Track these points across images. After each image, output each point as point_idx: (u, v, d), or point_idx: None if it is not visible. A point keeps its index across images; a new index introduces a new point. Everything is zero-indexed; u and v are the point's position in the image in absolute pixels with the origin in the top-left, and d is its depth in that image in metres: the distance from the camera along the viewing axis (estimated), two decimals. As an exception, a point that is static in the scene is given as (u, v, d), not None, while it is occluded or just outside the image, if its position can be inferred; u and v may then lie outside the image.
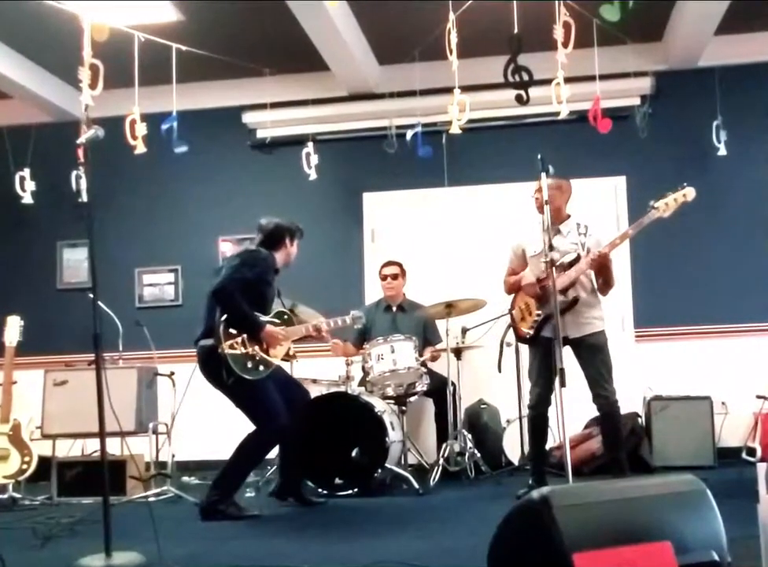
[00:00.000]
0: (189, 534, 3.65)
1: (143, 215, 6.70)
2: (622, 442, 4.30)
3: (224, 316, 3.91)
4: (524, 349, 5.21)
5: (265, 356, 4.01)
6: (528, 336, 4.27)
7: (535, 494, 1.77)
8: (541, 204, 4.03)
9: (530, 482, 4.22)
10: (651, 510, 1.81)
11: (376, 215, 6.49)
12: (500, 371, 5.38)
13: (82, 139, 3.11)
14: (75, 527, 3.77)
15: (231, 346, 3.89)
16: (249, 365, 3.95)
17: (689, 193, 4.03)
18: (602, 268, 4.13)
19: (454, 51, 4.36)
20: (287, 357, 4.20)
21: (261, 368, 4.00)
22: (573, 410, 4.36)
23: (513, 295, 4.46)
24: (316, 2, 4.92)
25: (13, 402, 4.75)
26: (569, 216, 4.34)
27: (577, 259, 4.12)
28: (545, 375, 4.17)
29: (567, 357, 4.18)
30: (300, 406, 4.24)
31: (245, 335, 3.95)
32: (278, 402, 4.02)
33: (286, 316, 4.24)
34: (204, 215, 6.58)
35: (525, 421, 5.38)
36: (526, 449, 5.37)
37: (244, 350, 3.93)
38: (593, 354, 4.14)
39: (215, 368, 3.92)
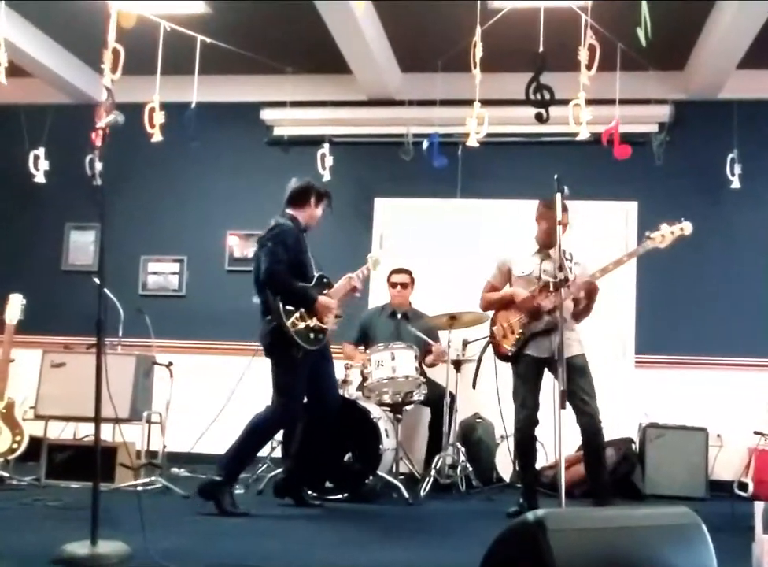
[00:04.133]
0: (175, 527, 3.63)
1: (153, 203, 6.70)
2: (605, 463, 4.25)
3: (278, 296, 4.08)
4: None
5: (321, 324, 4.16)
6: (510, 354, 4.24)
7: (530, 516, 1.75)
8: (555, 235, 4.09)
9: (521, 501, 4.19)
10: (647, 541, 1.80)
11: (386, 220, 6.49)
12: (474, 387, 5.28)
13: (102, 124, 3.10)
14: (62, 511, 3.75)
15: (293, 324, 4.04)
16: (312, 336, 4.11)
17: (686, 227, 4.00)
18: (589, 294, 4.14)
19: (478, 64, 4.37)
20: (336, 317, 4.31)
21: (321, 336, 4.17)
22: (564, 432, 4.36)
23: (494, 312, 4.44)
24: (343, 3, 4.93)
25: (9, 381, 4.74)
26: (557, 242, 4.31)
27: (566, 281, 4.06)
28: (534, 395, 4.15)
29: (547, 378, 4.20)
30: (326, 408, 4.31)
31: (302, 310, 4.09)
32: (302, 388, 4.15)
33: (325, 280, 4.32)
34: (214, 208, 6.59)
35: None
36: (518, 466, 5.36)
37: (304, 324, 4.08)
38: (576, 374, 4.05)
39: (279, 345, 4.08)
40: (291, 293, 4.11)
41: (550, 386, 4.17)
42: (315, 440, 4.32)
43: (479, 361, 5.14)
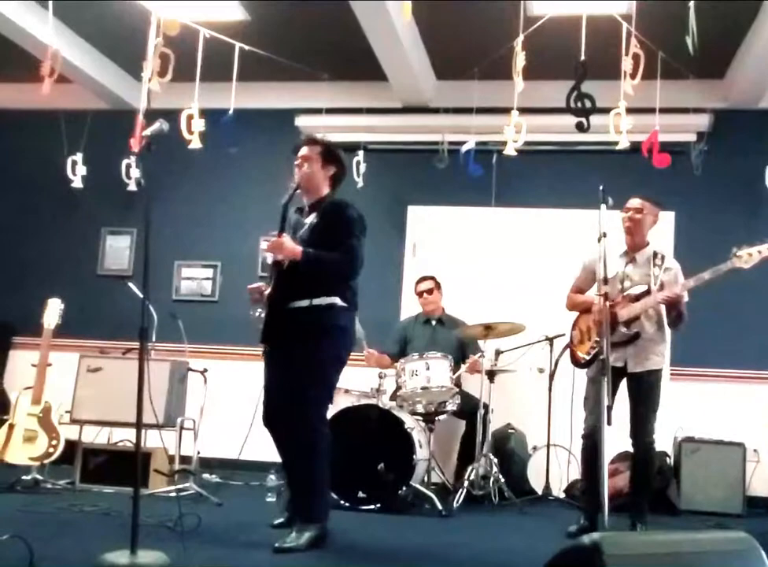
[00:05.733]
0: (210, 535, 3.58)
1: (187, 208, 6.73)
2: (650, 486, 4.17)
3: None
4: (564, 377, 5.18)
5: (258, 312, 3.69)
6: (583, 361, 4.15)
7: (586, 539, 1.71)
8: (629, 227, 4.12)
9: (582, 521, 4.02)
10: (705, 567, 1.75)
11: (419, 229, 6.46)
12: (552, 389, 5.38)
13: (147, 132, 3.11)
14: (98, 517, 3.77)
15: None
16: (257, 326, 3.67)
17: None
18: (673, 307, 4.00)
19: (520, 72, 4.33)
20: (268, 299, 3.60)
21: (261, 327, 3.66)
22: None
23: (576, 316, 4.33)
24: (383, 10, 4.92)
25: (46, 385, 4.77)
26: (648, 244, 4.22)
27: (647, 292, 3.98)
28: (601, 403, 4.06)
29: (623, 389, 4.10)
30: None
31: None
32: (265, 392, 3.64)
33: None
34: (248, 214, 6.59)
35: (551, 450, 5.33)
36: (551, 479, 5.30)
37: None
38: (646, 392, 4.01)
39: None
40: None
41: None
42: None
43: (555, 366, 5.23)
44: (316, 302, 3.51)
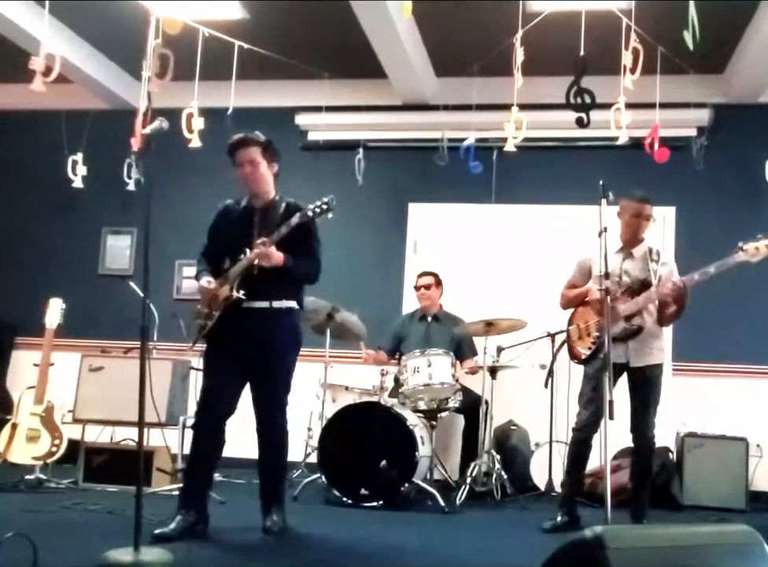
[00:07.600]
0: (212, 533, 3.58)
1: (188, 207, 6.72)
2: (650, 481, 4.15)
3: None
4: (562, 372, 5.17)
5: (207, 310, 3.63)
6: (583, 357, 4.12)
7: (588, 532, 1.72)
8: (637, 231, 4.09)
9: (560, 516, 4.03)
10: (708, 560, 1.75)
11: (420, 226, 6.46)
12: (546, 386, 5.27)
13: (147, 130, 3.12)
14: (102, 515, 3.77)
15: (195, 316, 3.71)
16: (200, 321, 3.66)
17: None
18: (678, 299, 3.95)
19: (519, 68, 4.33)
20: (227, 300, 3.51)
21: (200, 321, 3.68)
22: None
23: (572, 312, 4.30)
24: (382, 7, 4.92)
25: (49, 384, 4.78)
26: (642, 240, 4.18)
27: (648, 286, 3.96)
28: (598, 399, 3.98)
29: (621, 384, 4.08)
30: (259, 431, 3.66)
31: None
32: (210, 391, 3.54)
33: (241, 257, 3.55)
34: (248, 212, 6.59)
35: (554, 446, 5.32)
36: (554, 475, 5.29)
37: (201, 315, 3.65)
38: (648, 387, 4.00)
39: None
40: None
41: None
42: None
43: (553, 360, 5.12)
44: (276, 304, 3.54)
